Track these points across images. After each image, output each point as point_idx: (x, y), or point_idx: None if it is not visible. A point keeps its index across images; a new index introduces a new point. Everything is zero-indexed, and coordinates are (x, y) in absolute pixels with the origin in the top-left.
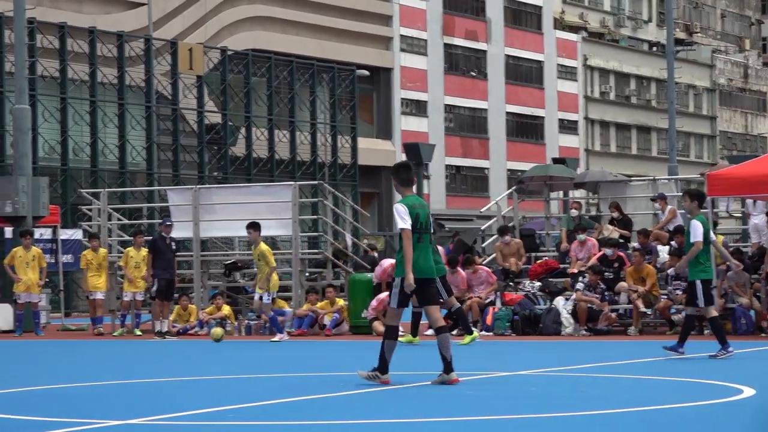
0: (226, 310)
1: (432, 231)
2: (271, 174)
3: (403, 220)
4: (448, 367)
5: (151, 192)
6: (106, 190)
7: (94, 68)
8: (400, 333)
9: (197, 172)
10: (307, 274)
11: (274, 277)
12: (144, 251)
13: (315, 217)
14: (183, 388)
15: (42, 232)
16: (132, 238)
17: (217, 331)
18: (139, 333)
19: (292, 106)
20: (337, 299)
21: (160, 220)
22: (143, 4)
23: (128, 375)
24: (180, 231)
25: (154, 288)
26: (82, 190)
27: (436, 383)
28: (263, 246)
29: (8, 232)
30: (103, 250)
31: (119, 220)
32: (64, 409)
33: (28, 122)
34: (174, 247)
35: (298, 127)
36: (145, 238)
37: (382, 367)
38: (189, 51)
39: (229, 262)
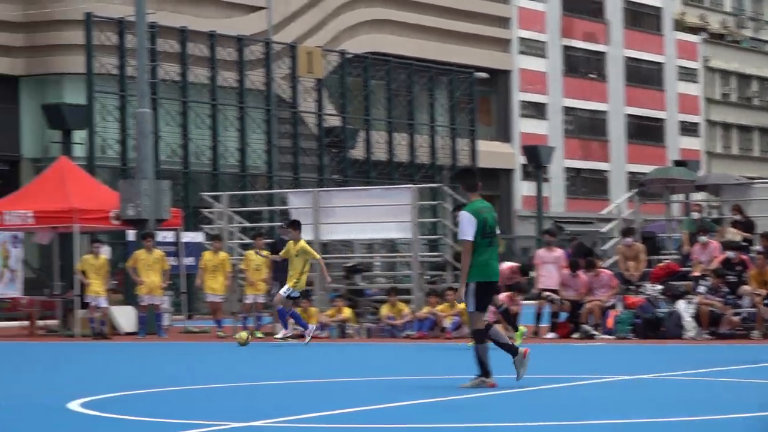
0: (347, 312)
1: (497, 233)
2: (390, 177)
3: (466, 231)
4: (486, 372)
5: (272, 195)
6: (227, 193)
7: (214, 72)
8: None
9: (317, 175)
10: (426, 276)
11: (303, 278)
12: (264, 254)
13: (434, 219)
14: (303, 391)
15: (164, 235)
16: (252, 240)
17: (243, 335)
18: (260, 335)
19: (411, 108)
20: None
21: (281, 223)
22: (263, 8)
23: (249, 377)
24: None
25: (275, 291)
26: (203, 193)
27: (468, 387)
28: (304, 243)
29: (131, 235)
30: (223, 253)
31: (240, 223)
32: (184, 411)
33: (149, 126)
34: None
35: (416, 129)
36: (266, 241)
37: (485, 371)
38: (308, 54)
39: (349, 264)
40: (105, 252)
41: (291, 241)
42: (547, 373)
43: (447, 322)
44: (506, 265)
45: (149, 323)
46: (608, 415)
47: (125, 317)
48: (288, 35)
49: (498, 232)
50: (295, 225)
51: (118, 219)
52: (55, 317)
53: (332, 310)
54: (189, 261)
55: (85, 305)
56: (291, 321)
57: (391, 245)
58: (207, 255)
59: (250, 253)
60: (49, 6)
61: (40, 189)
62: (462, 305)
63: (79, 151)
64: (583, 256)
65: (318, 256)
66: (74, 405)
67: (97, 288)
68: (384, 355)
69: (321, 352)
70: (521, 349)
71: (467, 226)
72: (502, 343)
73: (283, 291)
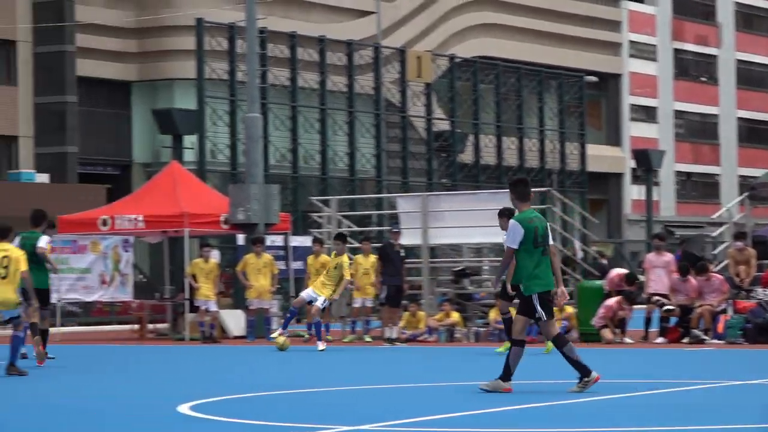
0: (455, 316)
1: (549, 243)
2: (499, 181)
3: (513, 239)
4: (507, 375)
5: (380, 199)
6: (336, 197)
7: (323, 76)
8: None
9: (426, 179)
10: None
11: (337, 290)
12: (372, 258)
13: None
14: (411, 395)
15: (273, 239)
16: (360, 244)
17: (280, 339)
18: (369, 339)
19: (520, 112)
20: (566, 307)
21: (390, 227)
22: (372, 13)
23: (357, 381)
24: (409, 238)
25: (383, 295)
26: (312, 198)
27: (486, 388)
28: (345, 258)
29: (240, 239)
30: (324, 256)
31: (349, 227)
32: (292, 415)
33: (259, 131)
34: (403, 254)
35: (526, 133)
36: (374, 245)
37: (583, 371)
38: (417, 59)
39: (457, 268)
40: (215, 256)
41: (333, 252)
42: (656, 378)
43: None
44: (615, 272)
45: (258, 327)
46: (716, 420)
47: (234, 321)
48: (397, 40)
49: (551, 242)
50: (342, 238)
51: (228, 223)
52: (166, 321)
53: (441, 314)
54: (297, 265)
55: (194, 309)
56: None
57: (499, 249)
58: (309, 259)
59: (359, 257)
60: (160, 12)
61: (151, 193)
62: (571, 309)
63: (189, 155)
64: (695, 261)
65: (349, 277)
66: (184, 408)
67: (207, 292)
68: (492, 359)
69: (429, 355)
70: (594, 374)
71: (515, 235)
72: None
73: (320, 303)
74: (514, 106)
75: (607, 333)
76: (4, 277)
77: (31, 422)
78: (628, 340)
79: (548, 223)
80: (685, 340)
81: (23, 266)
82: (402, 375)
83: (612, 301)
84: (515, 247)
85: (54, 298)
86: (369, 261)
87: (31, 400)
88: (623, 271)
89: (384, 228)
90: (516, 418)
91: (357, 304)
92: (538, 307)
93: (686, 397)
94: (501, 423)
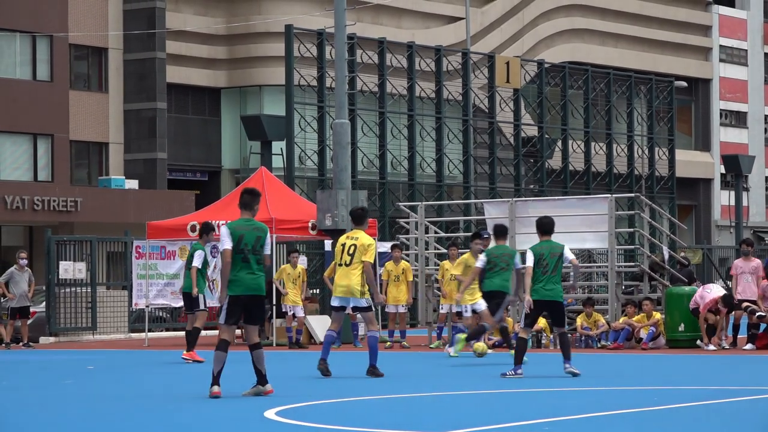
0: (542, 323)
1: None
2: (587, 186)
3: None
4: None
5: (468, 205)
6: (424, 203)
7: (412, 82)
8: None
9: (513, 184)
10: (623, 287)
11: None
12: (403, 265)
13: (631, 230)
14: (498, 400)
15: None
16: (447, 250)
17: (480, 345)
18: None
19: (609, 118)
20: (654, 312)
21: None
22: (461, 19)
23: (440, 387)
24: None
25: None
26: (399, 203)
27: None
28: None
29: (328, 245)
30: (404, 263)
31: (436, 233)
32: (379, 420)
33: (347, 136)
34: None
35: (615, 139)
36: (460, 251)
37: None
38: (506, 64)
39: None
40: (302, 262)
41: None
42: (744, 384)
43: (643, 333)
44: (713, 296)
45: (345, 333)
46: None
47: (321, 327)
48: (486, 45)
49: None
50: (399, 247)
51: (316, 229)
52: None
53: None
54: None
55: (281, 314)
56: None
57: (587, 255)
58: (389, 265)
59: (445, 263)
60: (250, 18)
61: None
62: (659, 315)
63: (277, 161)
64: None
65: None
66: (270, 413)
67: (294, 297)
68: (578, 365)
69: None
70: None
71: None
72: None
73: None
74: (603, 111)
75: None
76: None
77: (124, 426)
78: (712, 347)
79: (637, 230)
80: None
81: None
82: (487, 381)
83: (713, 297)
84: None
85: (142, 303)
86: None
87: (113, 402)
88: (719, 295)
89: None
90: (602, 425)
91: (443, 310)
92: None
93: None
94: (589, 430)
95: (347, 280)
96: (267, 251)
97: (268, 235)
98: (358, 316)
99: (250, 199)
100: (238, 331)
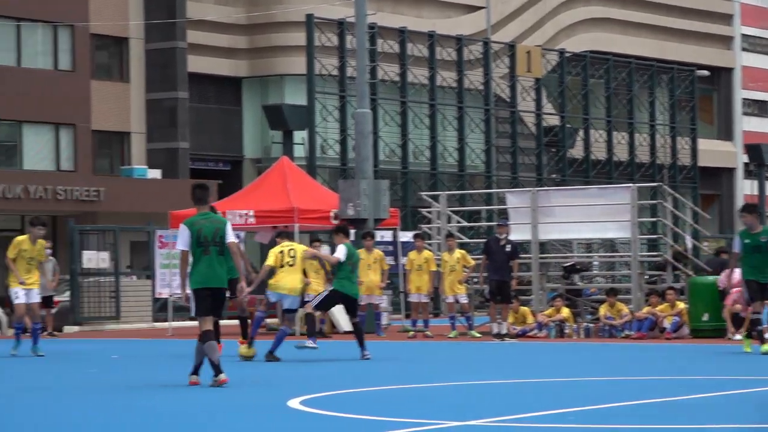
0: (565, 312)
1: None
2: (609, 176)
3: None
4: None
5: (490, 194)
6: (446, 192)
7: (433, 72)
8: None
9: (535, 174)
10: (646, 276)
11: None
12: (457, 254)
13: (654, 219)
14: (521, 390)
15: (382, 235)
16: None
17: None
18: (476, 335)
19: (631, 107)
20: (678, 302)
21: (498, 222)
22: (482, 8)
23: (467, 376)
24: (518, 233)
25: (487, 290)
26: (421, 193)
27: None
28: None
29: (351, 234)
30: (427, 252)
31: (458, 222)
32: (400, 410)
33: (369, 126)
34: (508, 249)
35: (636, 128)
36: (477, 240)
37: None
38: (527, 54)
39: (567, 264)
40: (324, 251)
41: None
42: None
43: (667, 323)
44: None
45: (368, 322)
46: None
47: (344, 316)
48: (507, 34)
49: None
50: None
51: (338, 218)
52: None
53: (551, 309)
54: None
55: (304, 303)
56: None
57: (610, 245)
58: (411, 255)
59: (445, 254)
60: (271, 8)
61: (261, 189)
62: (682, 304)
63: (299, 151)
64: None
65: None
66: (294, 402)
67: (317, 287)
68: (602, 355)
69: (538, 351)
70: None
71: None
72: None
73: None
74: (625, 100)
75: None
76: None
77: (156, 413)
78: (739, 336)
79: (660, 219)
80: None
81: None
82: (509, 371)
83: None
84: None
85: (165, 293)
86: (453, 258)
87: (137, 391)
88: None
89: (493, 223)
90: (629, 414)
91: (449, 300)
92: None
93: None
94: (603, 420)
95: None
96: (230, 239)
97: (228, 225)
98: (382, 306)
99: (201, 193)
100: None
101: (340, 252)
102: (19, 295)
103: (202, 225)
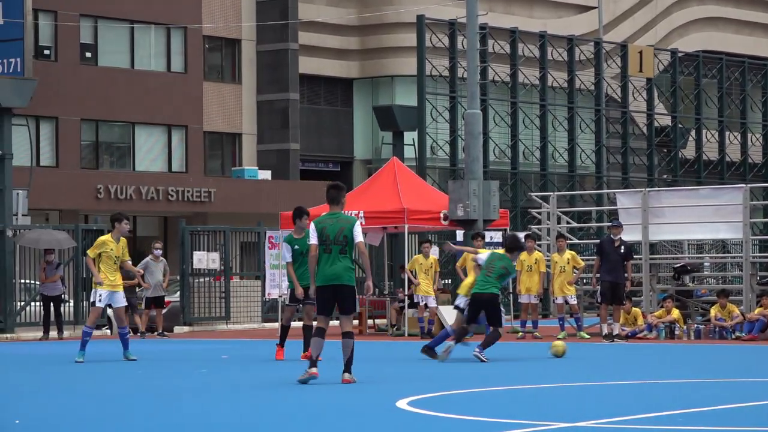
0: (675, 313)
1: None
2: (721, 176)
3: None
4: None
5: (600, 195)
6: (556, 193)
7: (544, 72)
8: None
9: (646, 174)
10: (758, 277)
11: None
12: (568, 254)
13: (766, 220)
14: (629, 392)
15: (492, 235)
16: (579, 241)
17: (558, 345)
18: (586, 336)
19: (744, 107)
20: None
21: (609, 223)
22: (593, 8)
23: (574, 378)
24: (629, 234)
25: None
26: (531, 194)
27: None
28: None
29: (459, 234)
30: (537, 253)
31: (568, 223)
32: (509, 411)
33: (479, 126)
34: (622, 250)
35: (749, 128)
36: (588, 241)
37: None
38: (639, 53)
39: (678, 265)
40: (434, 252)
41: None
42: None
43: None
44: None
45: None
46: None
47: (453, 317)
48: (618, 34)
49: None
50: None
51: (447, 219)
52: (385, 316)
53: (661, 311)
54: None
55: (414, 305)
56: None
57: (721, 245)
58: (522, 255)
59: (555, 255)
60: (382, 9)
61: (372, 190)
62: None
63: (409, 152)
64: None
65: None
66: (402, 403)
67: (427, 288)
68: (713, 357)
69: (648, 353)
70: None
71: None
72: None
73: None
74: (738, 100)
75: None
76: None
77: (259, 419)
78: None
79: None
80: None
81: None
82: (619, 372)
83: None
84: None
85: (275, 293)
86: (563, 258)
87: (246, 391)
88: None
89: (604, 224)
90: (741, 416)
91: (559, 301)
92: None
93: None
94: (714, 422)
95: None
96: (358, 239)
97: (356, 224)
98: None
99: (335, 194)
100: (380, 321)
101: (483, 256)
102: (102, 297)
103: (327, 224)
